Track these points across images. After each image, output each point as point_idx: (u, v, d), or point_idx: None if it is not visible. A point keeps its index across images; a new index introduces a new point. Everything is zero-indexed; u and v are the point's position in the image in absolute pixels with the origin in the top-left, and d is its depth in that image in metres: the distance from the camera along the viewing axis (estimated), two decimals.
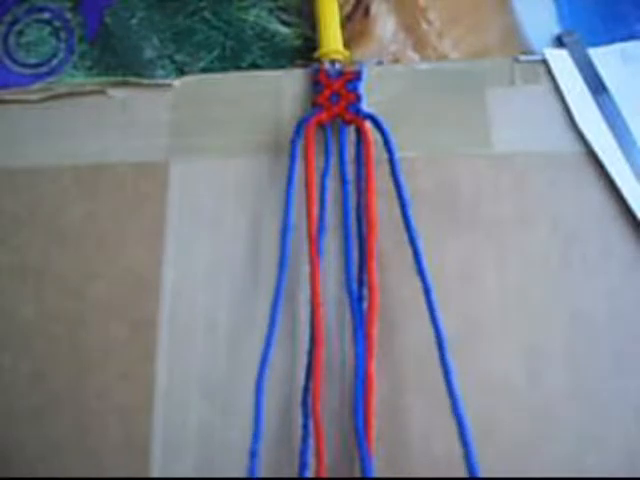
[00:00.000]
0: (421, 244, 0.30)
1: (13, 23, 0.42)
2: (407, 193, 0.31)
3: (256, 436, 0.29)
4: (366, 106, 0.35)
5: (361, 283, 0.32)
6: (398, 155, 0.32)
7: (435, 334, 0.28)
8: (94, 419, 0.32)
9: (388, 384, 0.31)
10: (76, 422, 0.32)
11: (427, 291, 0.29)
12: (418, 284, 0.29)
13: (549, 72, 0.36)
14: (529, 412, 0.30)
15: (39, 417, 0.33)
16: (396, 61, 0.38)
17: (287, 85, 0.37)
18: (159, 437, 0.32)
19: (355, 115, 0.34)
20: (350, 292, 0.30)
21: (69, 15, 0.42)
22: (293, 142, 0.34)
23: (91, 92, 0.38)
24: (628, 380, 0.31)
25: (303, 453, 0.29)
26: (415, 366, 0.31)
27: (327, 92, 0.35)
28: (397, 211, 0.31)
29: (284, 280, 0.31)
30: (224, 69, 0.39)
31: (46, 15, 0.42)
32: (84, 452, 0.32)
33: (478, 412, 0.28)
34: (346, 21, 0.39)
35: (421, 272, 0.29)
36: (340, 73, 0.36)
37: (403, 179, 0.31)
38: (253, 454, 0.29)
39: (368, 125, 0.34)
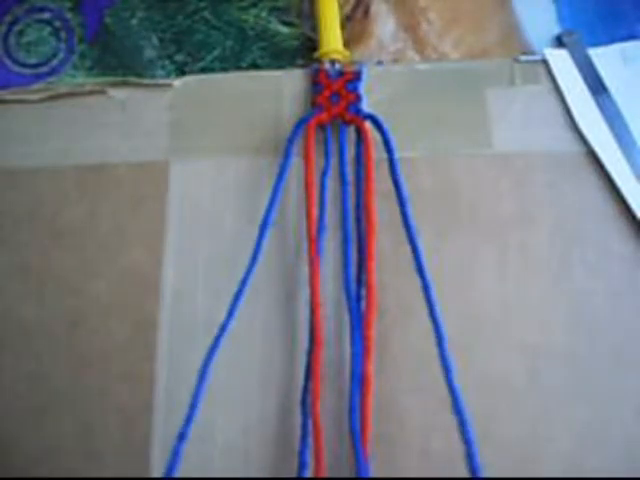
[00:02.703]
0: (420, 242, 0.30)
1: (13, 23, 0.42)
2: (406, 192, 0.31)
3: (189, 420, 0.29)
4: (366, 106, 0.35)
5: (360, 283, 0.32)
6: (398, 155, 0.32)
7: (435, 331, 0.28)
8: (94, 419, 0.32)
9: (386, 384, 0.31)
10: (76, 422, 0.32)
11: (426, 289, 0.29)
12: (417, 284, 0.29)
13: (549, 72, 0.36)
14: (529, 412, 0.30)
15: (39, 417, 0.33)
16: (396, 61, 0.38)
17: (287, 85, 0.37)
18: (159, 437, 0.32)
19: (355, 115, 0.34)
20: (349, 292, 0.30)
21: (69, 15, 0.42)
22: (290, 141, 0.34)
23: (91, 92, 0.38)
24: (628, 380, 0.31)
25: (302, 453, 0.29)
26: (414, 366, 0.31)
27: (327, 92, 0.35)
28: (396, 211, 0.31)
29: (252, 273, 0.31)
30: (224, 69, 0.39)
31: (46, 15, 0.42)
32: (84, 452, 0.32)
33: (478, 412, 0.28)
34: (346, 21, 0.39)
35: (420, 270, 0.29)
36: (340, 73, 0.36)
37: (402, 179, 0.31)
38: (182, 436, 0.29)
39: (368, 125, 0.34)
